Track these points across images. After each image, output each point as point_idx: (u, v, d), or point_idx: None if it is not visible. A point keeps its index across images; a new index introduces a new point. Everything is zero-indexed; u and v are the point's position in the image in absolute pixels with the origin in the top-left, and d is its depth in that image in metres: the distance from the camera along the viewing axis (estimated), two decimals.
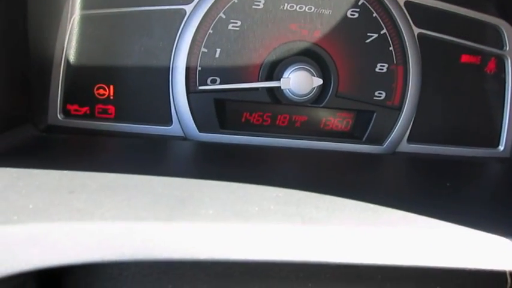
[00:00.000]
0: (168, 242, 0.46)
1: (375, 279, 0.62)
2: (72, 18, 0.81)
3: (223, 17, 0.82)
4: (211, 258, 0.47)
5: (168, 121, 0.86)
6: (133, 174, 0.58)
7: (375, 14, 0.85)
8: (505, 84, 0.91)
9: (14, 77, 0.73)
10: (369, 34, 0.85)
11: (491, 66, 0.91)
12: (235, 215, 0.49)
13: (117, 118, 0.85)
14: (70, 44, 0.82)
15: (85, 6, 0.82)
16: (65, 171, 0.57)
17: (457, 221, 0.53)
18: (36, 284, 0.60)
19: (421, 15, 0.87)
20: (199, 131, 0.85)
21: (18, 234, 0.44)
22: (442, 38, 0.88)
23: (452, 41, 0.89)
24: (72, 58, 0.82)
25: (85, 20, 0.82)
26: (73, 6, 0.81)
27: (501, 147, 0.93)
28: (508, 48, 0.91)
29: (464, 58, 0.90)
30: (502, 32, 0.90)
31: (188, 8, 0.82)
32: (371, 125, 0.88)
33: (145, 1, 0.82)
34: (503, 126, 0.93)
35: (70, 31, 0.81)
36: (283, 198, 0.55)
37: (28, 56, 0.75)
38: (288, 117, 0.89)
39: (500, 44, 0.91)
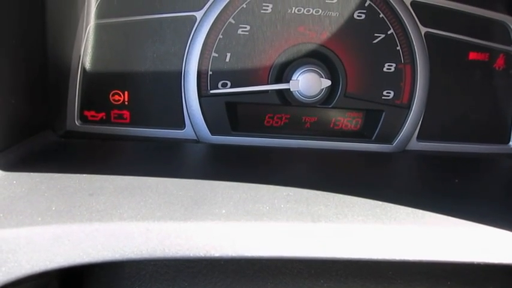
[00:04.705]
0: (183, 240, 0.48)
1: (386, 276, 0.63)
2: (88, 27, 0.84)
3: (233, 22, 0.84)
4: (225, 256, 0.49)
5: (181, 125, 0.88)
6: (149, 176, 0.61)
7: (381, 15, 0.86)
8: None
9: (33, 86, 0.75)
10: (376, 34, 0.86)
11: (500, 62, 0.91)
12: (247, 214, 0.51)
13: (132, 123, 0.88)
14: (86, 52, 0.85)
15: (100, 15, 0.84)
16: (84, 175, 0.60)
17: (466, 217, 0.53)
18: (58, 284, 0.63)
19: (428, 15, 0.87)
20: (212, 134, 0.87)
21: (43, 235, 0.47)
22: (449, 36, 0.89)
23: (460, 39, 0.89)
24: (88, 66, 0.85)
25: (100, 29, 0.85)
26: (88, 15, 0.84)
27: (511, 144, 0.93)
28: None
29: (472, 55, 0.90)
30: (510, 28, 0.90)
31: (198, 15, 0.85)
32: (380, 124, 0.89)
33: (157, 9, 0.85)
34: None
35: (86, 40, 0.84)
36: (294, 197, 0.56)
37: (46, 64, 0.78)
38: (298, 119, 0.90)
39: (508, 40, 0.91)
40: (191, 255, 0.48)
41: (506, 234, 0.51)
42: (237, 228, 0.49)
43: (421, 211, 0.55)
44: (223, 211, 0.51)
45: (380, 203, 0.56)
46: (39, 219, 0.48)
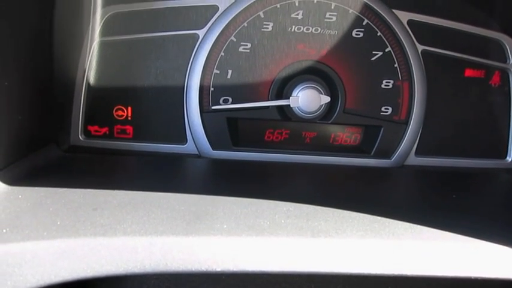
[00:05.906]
0: (185, 255, 0.49)
1: None
2: (93, 45, 0.86)
3: (234, 40, 0.86)
4: (226, 270, 0.49)
5: (183, 140, 0.89)
6: (152, 191, 0.62)
7: (379, 33, 0.88)
8: (510, 96, 0.93)
9: (39, 102, 0.77)
10: (374, 52, 0.88)
11: (495, 79, 0.93)
12: (248, 229, 0.52)
13: (135, 138, 0.89)
14: (90, 68, 0.86)
15: (104, 33, 0.86)
16: (88, 190, 0.61)
17: (464, 232, 0.54)
18: None
19: (424, 33, 0.89)
20: (213, 149, 0.88)
21: (48, 249, 0.48)
22: (445, 53, 0.90)
23: (456, 56, 0.91)
24: (92, 82, 0.87)
25: (104, 46, 0.87)
26: (93, 33, 0.86)
27: (509, 158, 0.94)
28: (511, 62, 0.93)
29: (468, 72, 0.92)
30: (505, 46, 0.92)
31: (201, 33, 0.87)
32: (379, 139, 0.90)
33: (160, 27, 0.87)
34: (510, 137, 0.94)
35: (90, 56, 0.86)
36: (294, 212, 0.57)
37: (52, 80, 0.80)
38: (298, 134, 0.91)
39: (504, 58, 0.93)
40: (193, 269, 0.48)
41: (504, 250, 0.52)
42: (238, 243, 0.50)
43: (419, 226, 0.55)
44: (225, 226, 0.52)
45: (379, 218, 0.57)
46: (45, 233, 0.49)
